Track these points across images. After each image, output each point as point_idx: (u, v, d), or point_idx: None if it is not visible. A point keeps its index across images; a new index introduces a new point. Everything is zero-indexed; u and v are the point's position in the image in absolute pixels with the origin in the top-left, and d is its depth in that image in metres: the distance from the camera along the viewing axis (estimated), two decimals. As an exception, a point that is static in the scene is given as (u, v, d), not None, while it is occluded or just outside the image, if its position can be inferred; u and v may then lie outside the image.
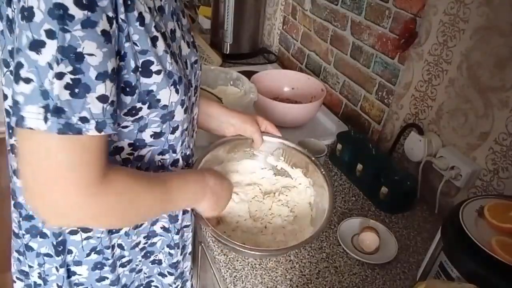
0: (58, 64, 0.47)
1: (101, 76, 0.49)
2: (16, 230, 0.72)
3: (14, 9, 0.48)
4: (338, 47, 1.45)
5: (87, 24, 0.47)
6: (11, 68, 0.56)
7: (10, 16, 0.51)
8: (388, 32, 1.21)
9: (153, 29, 0.57)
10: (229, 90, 1.30)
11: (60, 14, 0.46)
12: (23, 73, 0.48)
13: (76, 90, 0.48)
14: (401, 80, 1.19)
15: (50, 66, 0.47)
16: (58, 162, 0.50)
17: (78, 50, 0.47)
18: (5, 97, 0.60)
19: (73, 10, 0.46)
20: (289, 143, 0.94)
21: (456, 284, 0.64)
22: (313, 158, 0.90)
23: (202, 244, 1.05)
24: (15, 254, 0.75)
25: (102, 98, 0.50)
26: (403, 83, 1.18)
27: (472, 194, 1.01)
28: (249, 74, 1.35)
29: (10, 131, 0.63)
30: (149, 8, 0.57)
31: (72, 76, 0.48)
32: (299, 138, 1.13)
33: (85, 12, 0.47)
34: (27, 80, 0.48)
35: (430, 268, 0.77)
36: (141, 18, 0.55)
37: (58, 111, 0.48)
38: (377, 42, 1.26)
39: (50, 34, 0.46)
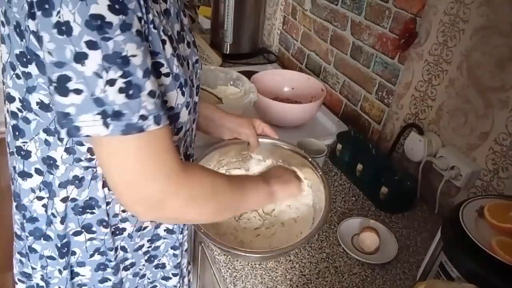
0: (107, 72, 0.48)
1: (146, 74, 0.51)
2: (19, 232, 0.72)
3: (38, 23, 0.48)
4: (338, 47, 1.45)
5: (124, 27, 0.49)
6: (17, 71, 0.57)
7: (33, 29, 0.51)
8: (388, 32, 1.21)
9: (161, 33, 0.58)
10: (229, 90, 1.30)
11: (99, 25, 0.47)
12: (72, 85, 0.49)
13: (131, 92, 0.50)
14: (401, 80, 1.19)
15: (97, 75, 0.48)
16: (137, 159, 0.53)
17: (123, 54, 0.49)
18: (12, 99, 0.60)
19: (110, 17, 0.47)
20: (286, 144, 0.94)
21: (456, 284, 0.64)
22: (310, 159, 0.90)
23: (202, 244, 1.05)
24: (17, 256, 0.75)
25: (152, 94, 0.52)
26: (403, 83, 1.18)
27: (472, 194, 1.01)
28: (249, 74, 1.34)
29: (17, 133, 0.63)
30: (157, 12, 0.58)
31: (124, 80, 0.49)
32: (299, 138, 1.13)
33: (120, 16, 0.48)
34: (78, 91, 0.49)
35: (430, 268, 0.77)
36: (154, 21, 0.56)
37: (118, 115, 0.50)
38: (377, 42, 1.26)
39: (92, 45, 0.47)
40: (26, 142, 0.62)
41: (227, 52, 1.77)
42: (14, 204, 0.70)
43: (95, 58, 0.48)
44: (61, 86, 0.49)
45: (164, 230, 0.80)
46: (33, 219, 0.69)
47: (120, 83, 0.49)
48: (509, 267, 0.62)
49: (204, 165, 0.88)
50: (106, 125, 0.50)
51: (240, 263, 0.87)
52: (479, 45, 0.94)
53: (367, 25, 1.29)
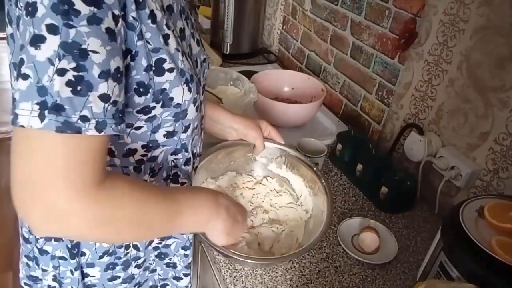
0: (60, 60, 0.45)
1: (104, 75, 0.48)
2: (27, 235, 0.71)
3: (21, 7, 0.47)
4: (338, 47, 1.45)
5: (93, 20, 0.46)
6: None
7: (17, 14, 0.49)
8: (388, 32, 1.21)
9: (164, 27, 0.57)
10: (229, 90, 1.30)
11: (65, 9, 0.45)
12: (23, 69, 0.46)
13: (79, 88, 0.46)
14: (401, 80, 1.19)
15: (50, 61, 0.45)
16: (54, 161, 0.47)
17: (83, 46, 0.46)
18: None
19: (79, 5, 0.45)
20: (291, 151, 0.94)
21: (456, 284, 0.64)
22: (314, 168, 0.90)
23: (202, 244, 1.05)
24: (24, 259, 0.74)
25: (104, 97, 0.48)
26: (403, 83, 1.18)
27: (472, 194, 1.01)
28: (249, 74, 1.34)
29: None
30: (161, 6, 0.57)
31: (75, 73, 0.46)
32: (299, 138, 1.13)
33: (91, 8, 0.46)
34: (25, 76, 0.46)
35: (430, 268, 0.77)
36: (152, 16, 0.54)
37: (57, 109, 0.46)
38: (377, 42, 1.26)
39: (52, 29, 0.45)
40: None
41: (227, 52, 1.77)
42: None
43: (52, 44, 0.45)
44: (18, 70, 0.46)
45: None
46: None
47: (70, 75, 0.46)
48: (509, 267, 0.62)
49: (207, 165, 0.88)
50: (42, 117, 0.45)
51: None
52: (479, 45, 0.94)
53: (367, 25, 1.29)
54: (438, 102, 1.07)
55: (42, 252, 0.70)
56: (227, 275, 0.84)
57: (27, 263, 0.74)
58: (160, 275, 0.84)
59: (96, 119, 0.48)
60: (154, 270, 0.82)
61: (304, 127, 1.33)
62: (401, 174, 1.07)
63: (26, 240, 0.72)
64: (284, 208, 0.91)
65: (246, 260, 0.72)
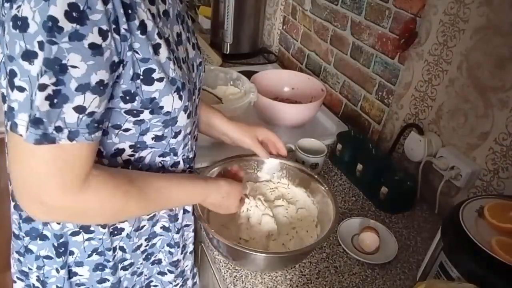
0: (42, 75, 0.48)
1: (82, 88, 0.50)
2: (17, 232, 0.72)
3: (4, 14, 0.49)
4: (338, 47, 1.45)
5: (75, 36, 0.48)
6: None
7: (1, 20, 0.51)
8: (388, 32, 1.20)
9: (155, 36, 0.57)
10: (229, 90, 1.30)
11: (49, 26, 0.47)
12: (17, 81, 0.49)
13: (55, 101, 0.50)
14: (401, 80, 1.18)
15: (38, 77, 0.49)
16: (39, 168, 0.53)
17: (63, 62, 0.48)
18: (5, 99, 0.60)
19: (63, 22, 0.47)
20: (291, 162, 0.96)
21: (456, 284, 0.64)
22: (316, 176, 0.91)
23: (202, 244, 1.05)
24: (15, 255, 0.75)
25: (79, 109, 0.51)
26: (403, 83, 1.18)
27: (472, 194, 1.01)
28: (249, 74, 1.34)
29: None
30: (152, 14, 0.57)
31: (54, 88, 0.49)
32: (299, 138, 1.13)
33: (74, 25, 0.48)
34: (21, 89, 0.50)
35: (430, 268, 0.77)
36: (142, 27, 0.55)
37: (36, 122, 0.50)
38: (377, 42, 1.26)
39: (41, 46, 0.48)
40: None
41: (227, 52, 1.77)
42: (12, 204, 0.70)
43: (40, 59, 0.48)
44: (10, 80, 0.50)
45: (161, 228, 0.80)
46: (29, 219, 0.69)
47: (50, 90, 0.49)
48: (509, 267, 0.62)
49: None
50: (26, 130, 0.50)
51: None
52: (479, 45, 0.94)
53: (367, 25, 1.28)
54: (438, 102, 1.07)
55: (28, 250, 0.71)
56: (227, 275, 0.84)
57: (18, 259, 0.75)
58: (146, 275, 0.85)
59: (69, 129, 0.52)
60: (141, 273, 0.83)
61: (304, 127, 1.33)
62: (401, 174, 1.07)
63: (16, 237, 0.73)
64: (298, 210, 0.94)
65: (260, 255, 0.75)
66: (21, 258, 0.74)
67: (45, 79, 0.48)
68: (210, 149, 1.09)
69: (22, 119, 0.50)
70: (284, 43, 1.81)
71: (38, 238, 0.69)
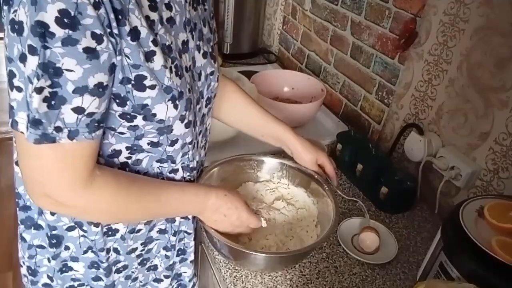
0: (38, 79, 0.50)
1: (79, 90, 0.52)
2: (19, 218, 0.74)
3: (3, 16, 0.51)
4: (338, 47, 1.45)
5: (68, 42, 0.49)
6: None
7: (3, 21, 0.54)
8: (388, 32, 1.21)
9: (150, 44, 0.57)
10: (229, 90, 1.30)
11: (41, 32, 0.48)
12: (16, 82, 0.52)
13: (53, 102, 0.51)
14: (401, 80, 1.19)
15: (30, 80, 0.50)
16: (43, 166, 0.56)
17: (57, 65, 0.50)
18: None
19: (54, 28, 0.48)
20: (291, 162, 0.95)
21: (456, 284, 0.64)
22: (316, 176, 0.91)
23: (202, 244, 1.05)
24: (20, 240, 0.76)
25: (78, 110, 0.53)
26: (403, 83, 1.18)
27: (472, 194, 1.01)
28: (249, 74, 1.35)
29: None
30: (152, 21, 0.57)
31: (50, 90, 0.51)
32: (299, 138, 1.12)
33: (66, 30, 0.49)
34: (19, 89, 0.52)
35: (430, 268, 0.77)
36: (134, 33, 0.55)
37: (36, 123, 0.51)
38: (377, 42, 1.26)
39: (32, 50, 0.49)
40: None
41: (227, 52, 1.77)
42: (16, 191, 0.72)
43: (31, 63, 0.50)
44: (10, 81, 0.52)
45: (157, 232, 0.79)
46: (25, 208, 0.70)
47: (46, 92, 0.51)
48: (509, 267, 0.62)
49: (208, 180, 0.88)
50: (26, 129, 0.53)
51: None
52: (479, 45, 0.94)
53: (367, 25, 1.29)
54: (438, 102, 1.07)
55: (22, 238, 0.73)
56: (227, 275, 0.84)
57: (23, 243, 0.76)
58: (141, 281, 0.84)
59: (69, 128, 0.53)
60: (136, 278, 0.82)
61: (304, 127, 1.33)
62: (401, 174, 1.07)
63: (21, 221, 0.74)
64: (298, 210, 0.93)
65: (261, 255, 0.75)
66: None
67: (42, 82, 0.50)
68: (210, 149, 1.09)
69: (21, 117, 0.52)
70: (284, 43, 1.81)
71: (33, 228, 0.71)
